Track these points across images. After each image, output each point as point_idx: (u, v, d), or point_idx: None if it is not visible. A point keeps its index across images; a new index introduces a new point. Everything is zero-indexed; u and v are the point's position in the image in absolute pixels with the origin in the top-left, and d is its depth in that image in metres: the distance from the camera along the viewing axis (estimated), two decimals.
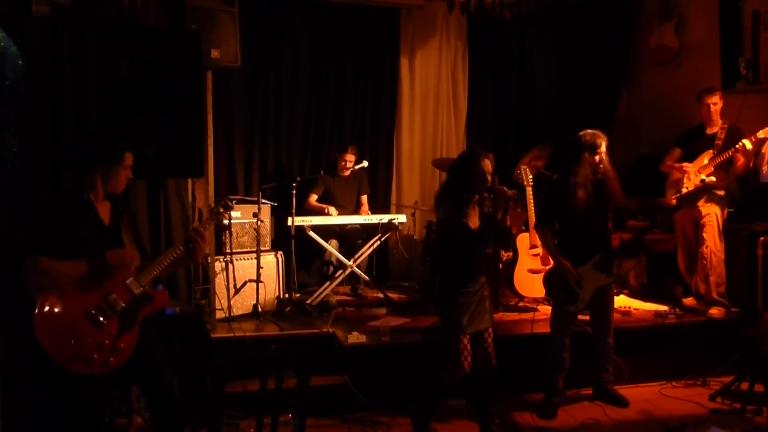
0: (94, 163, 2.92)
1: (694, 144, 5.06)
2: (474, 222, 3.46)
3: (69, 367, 2.69)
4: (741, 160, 4.77)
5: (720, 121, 4.98)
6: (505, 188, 3.51)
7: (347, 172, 5.95)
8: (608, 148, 4.03)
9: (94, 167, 2.92)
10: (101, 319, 2.77)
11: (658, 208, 4.82)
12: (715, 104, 4.97)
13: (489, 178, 3.47)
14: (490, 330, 3.59)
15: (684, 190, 4.96)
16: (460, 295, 3.46)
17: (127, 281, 2.90)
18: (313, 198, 5.97)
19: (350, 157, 5.91)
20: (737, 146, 4.69)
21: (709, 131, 5.02)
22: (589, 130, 4.04)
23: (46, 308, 2.72)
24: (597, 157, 3.96)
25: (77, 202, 2.89)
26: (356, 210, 6.09)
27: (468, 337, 3.46)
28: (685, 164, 5.02)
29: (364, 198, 6.17)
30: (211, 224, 3.77)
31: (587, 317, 4.28)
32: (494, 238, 3.56)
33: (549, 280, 4.15)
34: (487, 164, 3.48)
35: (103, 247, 2.86)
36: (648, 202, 4.77)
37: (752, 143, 4.66)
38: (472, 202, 3.48)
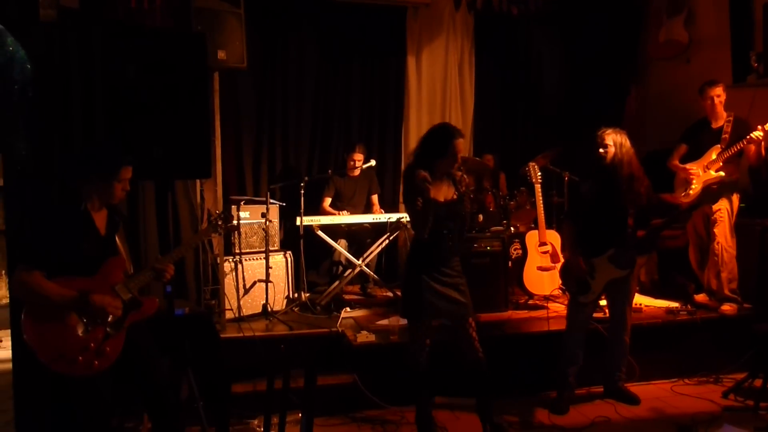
0: (90, 175, 2.95)
1: (700, 139, 4.99)
2: (438, 194, 3.46)
3: (52, 366, 2.72)
4: (753, 149, 4.68)
5: (725, 114, 4.90)
6: (465, 177, 3.53)
7: (356, 172, 5.95)
8: (621, 144, 3.99)
9: (90, 179, 2.95)
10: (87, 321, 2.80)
11: (665, 204, 4.80)
12: (718, 96, 4.88)
13: (459, 158, 3.47)
14: (472, 321, 3.54)
15: (692, 189, 4.92)
16: (424, 278, 3.45)
17: (116, 287, 2.93)
18: (327, 202, 5.97)
19: (358, 156, 5.91)
20: (750, 136, 4.61)
21: (714, 125, 4.94)
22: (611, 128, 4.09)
23: (35, 308, 2.76)
24: (601, 150, 3.99)
25: (74, 212, 2.92)
26: (367, 210, 6.08)
27: (425, 323, 3.50)
28: (689, 165, 4.97)
29: (375, 198, 6.16)
30: (208, 236, 3.76)
31: (601, 314, 4.27)
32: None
33: (564, 271, 4.22)
34: (461, 143, 3.47)
35: (99, 257, 2.90)
36: (656, 199, 4.73)
37: (764, 132, 4.57)
38: (436, 173, 3.46)
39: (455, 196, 3.49)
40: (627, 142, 4.02)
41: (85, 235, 2.89)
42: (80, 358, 2.75)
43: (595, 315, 4.28)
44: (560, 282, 4.42)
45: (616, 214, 4.03)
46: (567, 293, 4.32)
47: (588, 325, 4.16)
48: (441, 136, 3.50)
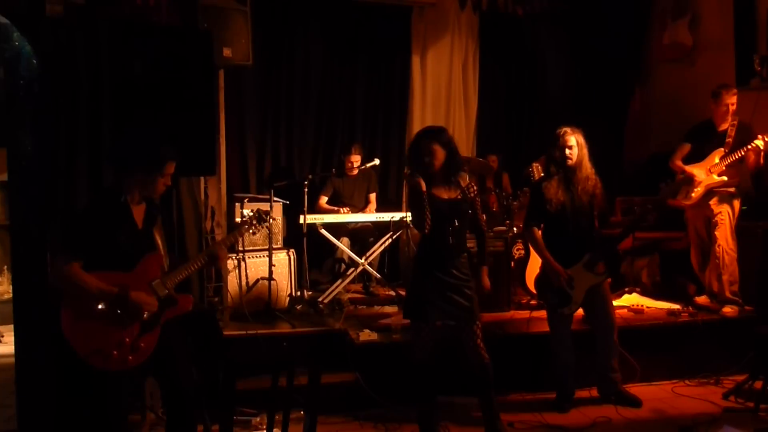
0: (134, 168, 2.94)
1: (704, 141, 5.00)
2: (441, 192, 3.48)
3: (89, 360, 2.75)
4: (752, 157, 4.73)
5: (730, 118, 4.92)
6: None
7: (355, 172, 5.96)
8: (583, 145, 3.97)
9: (133, 172, 2.94)
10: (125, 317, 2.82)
11: (663, 206, 4.79)
12: (733, 104, 4.88)
13: (425, 159, 3.45)
14: (477, 329, 3.51)
15: (695, 192, 4.93)
16: (430, 279, 3.45)
17: (153, 283, 2.94)
18: (323, 200, 5.99)
19: (355, 158, 5.91)
20: (750, 146, 4.66)
21: (719, 128, 4.95)
22: (568, 127, 4.01)
23: (73, 302, 2.78)
24: (567, 152, 3.94)
25: (114, 203, 2.93)
26: (365, 208, 6.10)
27: (430, 326, 3.47)
28: (693, 167, 4.97)
29: (373, 196, 6.17)
30: (242, 236, 3.74)
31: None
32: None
33: (540, 283, 4.13)
34: (431, 143, 3.48)
35: (136, 251, 2.91)
36: (654, 201, 4.74)
37: (764, 142, 4.62)
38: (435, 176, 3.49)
39: (459, 196, 3.50)
40: (584, 141, 4.00)
41: (123, 227, 2.90)
42: (115, 353, 2.78)
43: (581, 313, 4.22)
44: (537, 295, 4.29)
45: (585, 217, 3.98)
46: (545, 305, 4.18)
47: (571, 329, 4.11)
48: (413, 141, 3.58)
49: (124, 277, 2.85)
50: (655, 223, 4.20)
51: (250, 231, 3.47)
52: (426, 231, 3.43)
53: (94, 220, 2.85)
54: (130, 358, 2.82)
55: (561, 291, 3.96)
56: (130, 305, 2.81)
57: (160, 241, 3.06)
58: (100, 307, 2.77)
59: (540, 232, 4.08)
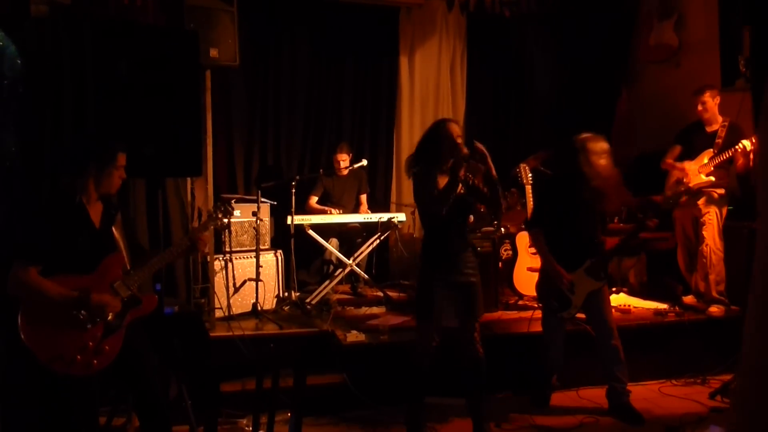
0: (86, 164, 2.89)
1: (694, 141, 5.04)
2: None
3: (51, 366, 2.69)
4: (741, 159, 4.76)
5: (720, 119, 4.95)
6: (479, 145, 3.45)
7: (345, 171, 5.95)
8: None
9: (86, 169, 2.89)
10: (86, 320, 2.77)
11: (653, 206, 4.80)
12: (704, 104, 4.93)
13: (458, 141, 3.40)
14: (477, 322, 3.53)
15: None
16: (439, 284, 3.42)
17: (115, 284, 2.88)
18: (313, 200, 5.98)
19: (343, 157, 5.91)
20: (737, 147, 4.69)
21: (709, 129, 5.00)
22: (591, 134, 3.97)
23: (32, 307, 2.72)
24: (603, 161, 3.89)
25: (69, 205, 2.86)
26: (356, 209, 6.09)
27: (437, 328, 3.46)
28: (686, 163, 5.00)
29: (364, 197, 6.17)
30: (209, 227, 3.70)
31: (584, 316, 4.25)
32: (456, 199, 3.41)
33: (542, 288, 4.12)
34: (454, 128, 3.44)
35: (95, 252, 2.86)
36: (643, 201, 4.75)
37: (752, 144, 4.66)
38: (443, 165, 3.44)
39: (462, 190, 3.46)
40: None
41: (80, 228, 2.84)
42: (78, 357, 2.71)
43: (577, 315, 4.18)
44: (537, 297, 4.27)
45: (592, 223, 3.98)
46: (543, 307, 4.17)
47: (565, 331, 4.14)
48: (432, 127, 3.51)
49: (84, 280, 2.79)
50: (656, 228, 4.19)
51: (217, 223, 3.43)
52: (443, 213, 3.36)
53: (48, 224, 2.79)
54: (95, 362, 2.75)
55: (562, 295, 3.96)
56: (93, 308, 2.75)
57: (120, 241, 3.00)
58: (61, 312, 2.71)
59: (543, 234, 4.03)
